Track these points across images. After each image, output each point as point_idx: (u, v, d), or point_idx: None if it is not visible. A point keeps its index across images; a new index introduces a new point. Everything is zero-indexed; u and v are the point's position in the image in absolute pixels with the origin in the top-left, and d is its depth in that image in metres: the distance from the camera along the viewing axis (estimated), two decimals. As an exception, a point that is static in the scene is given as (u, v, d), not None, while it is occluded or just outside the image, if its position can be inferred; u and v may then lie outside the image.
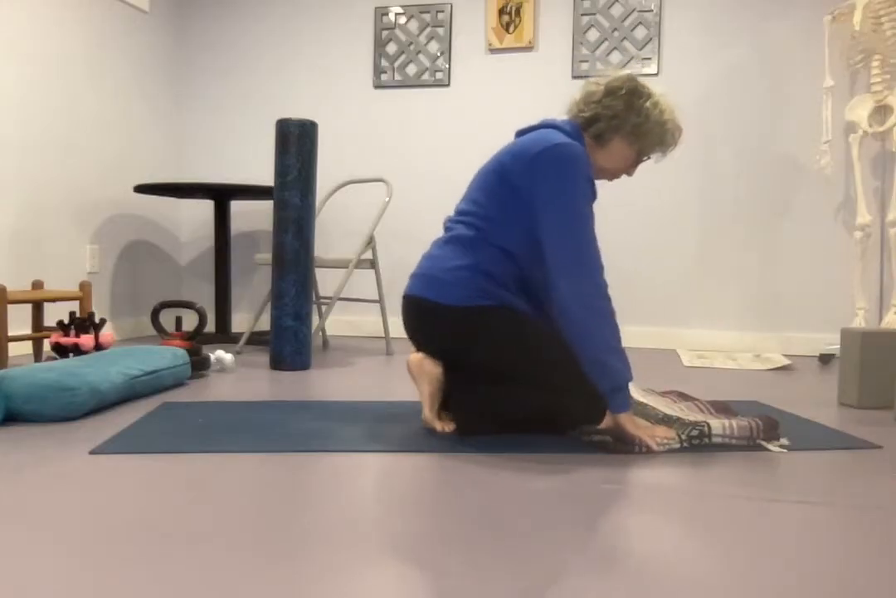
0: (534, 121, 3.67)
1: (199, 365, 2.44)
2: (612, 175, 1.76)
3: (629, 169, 1.76)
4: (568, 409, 1.62)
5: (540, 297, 1.72)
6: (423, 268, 1.70)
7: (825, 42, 3.19)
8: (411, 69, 3.81)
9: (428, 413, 1.69)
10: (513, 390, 1.63)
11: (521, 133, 1.77)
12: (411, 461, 1.44)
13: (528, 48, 3.68)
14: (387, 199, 3.16)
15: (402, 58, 3.81)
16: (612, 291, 1.58)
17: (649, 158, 1.76)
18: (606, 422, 1.57)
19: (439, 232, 3.80)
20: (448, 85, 3.78)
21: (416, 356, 1.72)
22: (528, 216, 1.60)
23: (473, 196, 1.69)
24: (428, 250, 1.74)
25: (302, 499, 1.20)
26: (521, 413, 1.64)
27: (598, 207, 3.62)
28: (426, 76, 3.79)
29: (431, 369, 1.69)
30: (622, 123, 1.67)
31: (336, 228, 3.95)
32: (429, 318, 1.66)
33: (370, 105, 3.88)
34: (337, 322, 3.95)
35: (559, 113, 3.65)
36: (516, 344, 1.61)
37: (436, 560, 0.95)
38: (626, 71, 1.72)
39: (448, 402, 1.72)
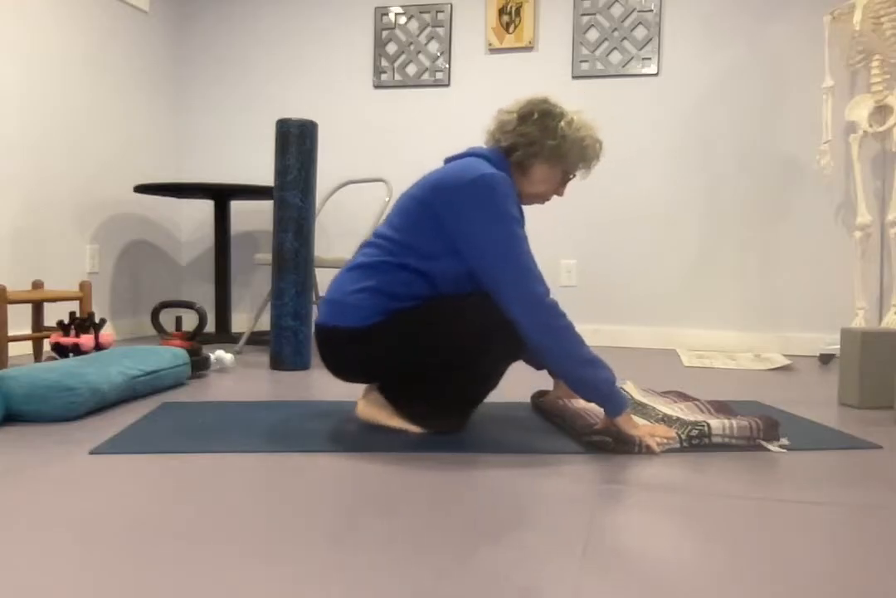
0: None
1: (199, 365, 2.44)
2: (541, 199, 1.75)
3: (557, 190, 1.75)
4: (496, 362, 1.61)
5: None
6: (329, 296, 1.68)
7: (825, 42, 3.19)
8: (411, 69, 3.81)
9: (412, 430, 1.68)
10: (448, 376, 1.62)
11: (449, 160, 1.75)
12: (411, 462, 1.44)
13: (528, 48, 3.68)
14: (387, 199, 3.16)
15: (402, 58, 3.81)
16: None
17: (575, 176, 1.75)
18: (604, 423, 1.57)
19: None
20: (448, 85, 3.78)
21: (360, 405, 1.73)
22: (448, 241, 1.59)
23: (392, 221, 1.67)
24: (336, 276, 1.73)
25: (302, 499, 1.20)
26: (466, 388, 1.64)
27: (598, 206, 3.63)
28: (426, 76, 3.79)
29: (379, 403, 1.70)
30: (540, 148, 1.67)
31: (336, 228, 3.95)
32: (334, 343, 1.65)
33: (370, 105, 3.88)
34: (337, 322, 3.94)
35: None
36: (421, 338, 1.59)
37: (434, 560, 0.95)
38: (539, 95, 1.72)
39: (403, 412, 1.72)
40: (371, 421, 1.72)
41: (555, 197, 1.81)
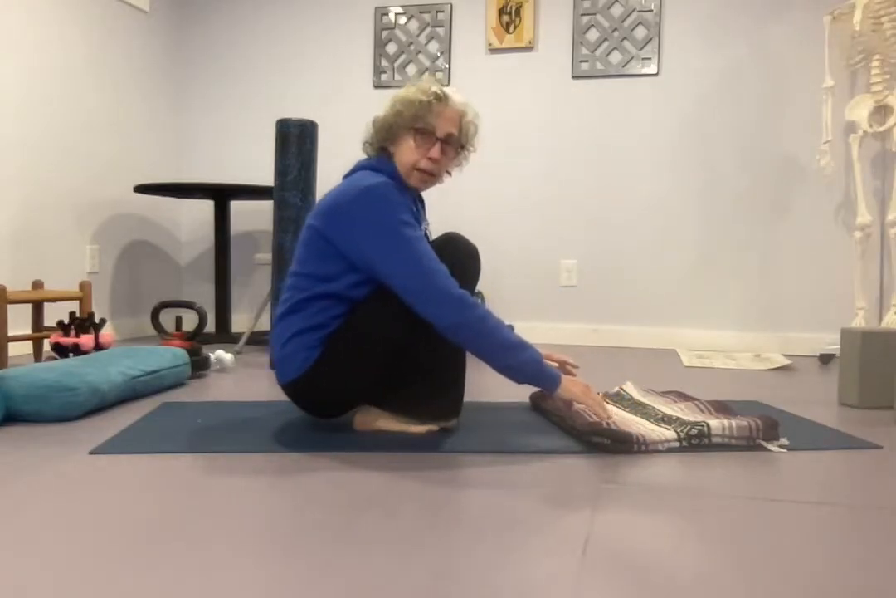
0: (535, 120, 3.67)
1: (199, 365, 2.44)
2: (421, 169, 1.69)
3: (426, 153, 1.68)
4: (437, 341, 1.61)
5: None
6: (274, 354, 1.71)
7: (825, 42, 3.19)
8: (411, 69, 3.81)
9: (413, 431, 1.69)
10: (416, 373, 1.64)
11: (346, 176, 1.77)
12: (409, 461, 1.44)
13: (528, 48, 3.68)
14: (387, 199, 3.16)
15: (402, 58, 3.81)
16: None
17: (426, 126, 1.67)
18: (559, 396, 1.59)
19: (438, 231, 3.79)
20: (448, 85, 3.78)
21: (357, 420, 1.73)
22: (344, 260, 1.60)
23: (298, 255, 1.69)
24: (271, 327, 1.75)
25: (302, 499, 1.20)
26: (435, 378, 1.65)
27: (598, 206, 3.63)
28: (426, 76, 3.79)
29: (373, 413, 1.70)
30: (382, 125, 1.71)
31: (336, 228, 3.94)
32: (296, 397, 1.69)
33: (370, 105, 3.88)
34: (337, 322, 3.94)
35: (558, 115, 3.65)
36: (359, 354, 1.60)
37: (434, 560, 0.95)
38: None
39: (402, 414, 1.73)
40: (372, 430, 1.72)
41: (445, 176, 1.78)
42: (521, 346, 1.54)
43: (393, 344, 1.60)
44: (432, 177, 1.72)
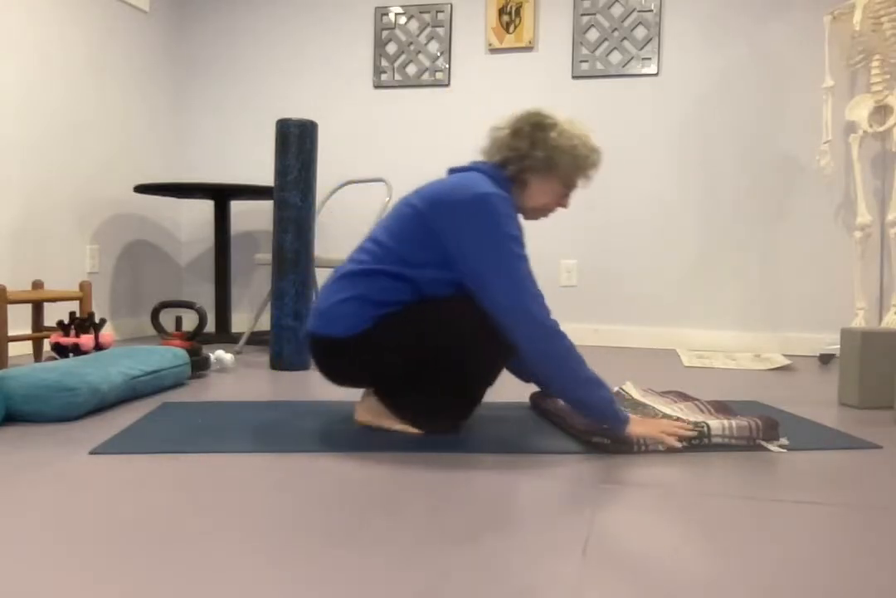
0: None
1: (199, 365, 2.44)
2: (544, 212, 1.74)
3: (560, 202, 1.73)
4: (488, 360, 1.61)
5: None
6: (317, 305, 1.69)
7: (825, 42, 3.19)
8: (411, 69, 3.81)
9: (412, 431, 1.68)
10: (437, 377, 1.63)
11: (452, 171, 1.74)
12: (410, 462, 1.44)
13: (528, 48, 3.68)
14: (387, 199, 3.16)
15: (402, 58, 3.81)
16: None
17: (575, 186, 1.73)
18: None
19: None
20: (448, 85, 3.78)
21: (358, 412, 1.73)
22: (444, 255, 1.58)
23: (389, 226, 1.66)
24: (326, 280, 1.72)
25: (302, 499, 1.20)
26: (460, 388, 1.64)
27: (598, 206, 3.63)
28: (426, 76, 3.79)
29: (377, 407, 1.70)
30: (533, 162, 1.66)
31: (336, 228, 3.95)
32: (325, 352, 1.65)
33: (370, 105, 3.88)
34: (337, 322, 3.94)
35: (560, 113, 3.65)
36: (406, 341, 1.59)
37: (435, 560, 0.95)
38: (532, 108, 1.71)
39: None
40: (370, 425, 1.72)
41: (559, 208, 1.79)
42: (598, 383, 1.52)
43: (439, 353, 1.59)
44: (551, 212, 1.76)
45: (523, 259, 1.54)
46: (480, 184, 1.57)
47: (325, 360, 1.66)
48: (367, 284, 1.60)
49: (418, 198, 1.62)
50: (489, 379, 1.67)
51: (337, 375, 1.69)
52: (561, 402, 1.83)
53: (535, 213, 1.74)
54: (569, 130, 1.68)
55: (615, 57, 3.58)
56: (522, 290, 1.51)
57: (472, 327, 1.56)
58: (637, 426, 1.54)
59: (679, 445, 1.53)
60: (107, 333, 2.51)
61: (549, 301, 3.68)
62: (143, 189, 3.38)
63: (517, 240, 1.54)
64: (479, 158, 1.82)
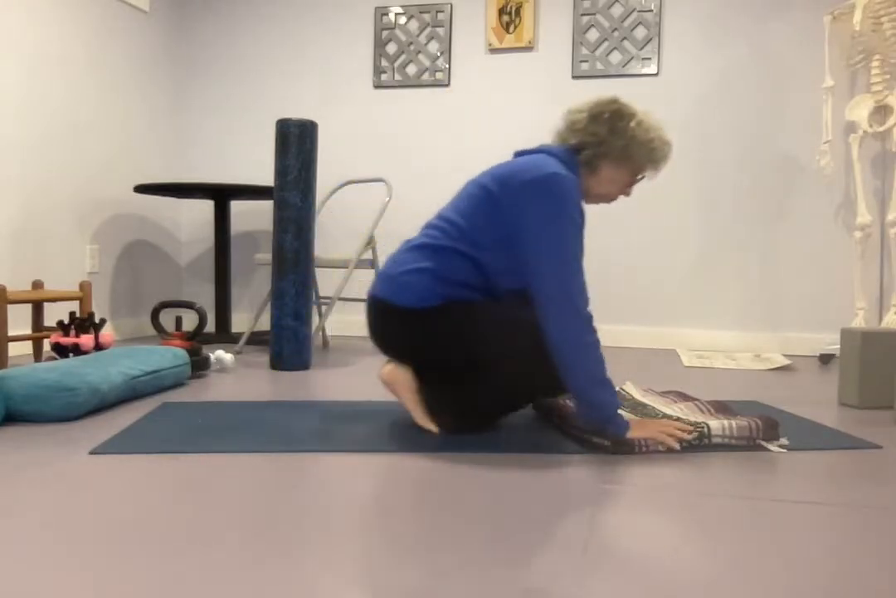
0: (535, 119, 3.68)
1: (199, 365, 2.44)
2: (607, 199, 1.76)
3: (624, 190, 1.75)
4: (533, 387, 1.63)
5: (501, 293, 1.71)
6: (386, 270, 1.70)
7: (825, 42, 3.19)
8: (411, 69, 3.81)
9: (419, 418, 1.69)
10: (477, 383, 1.63)
11: (518, 154, 1.76)
12: (411, 461, 1.44)
13: (528, 48, 3.68)
14: (387, 199, 3.16)
15: (402, 58, 3.81)
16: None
17: (643, 177, 1.76)
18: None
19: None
20: (448, 85, 3.78)
21: (386, 369, 1.73)
22: (507, 234, 1.60)
23: (456, 206, 1.68)
24: (395, 252, 1.74)
25: (302, 499, 1.20)
26: (492, 403, 1.65)
27: (598, 206, 3.63)
28: (426, 76, 3.79)
29: (404, 375, 1.70)
30: (609, 149, 1.67)
31: (336, 228, 3.95)
32: (385, 318, 1.67)
33: (370, 105, 3.88)
34: (337, 322, 3.95)
35: (558, 114, 3.65)
36: (467, 336, 1.61)
37: (435, 560, 0.95)
38: (608, 95, 1.71)
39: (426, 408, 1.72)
40: (388, 388, 1.72)
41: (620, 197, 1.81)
42: (611, 387, 1.54)
43: (492, 363, 1.60)
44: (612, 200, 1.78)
45: (578, 246, 1.56)
46: (551, 165, 1.60)
47: (383, 325, 1.68)
48: (438, 260, 1.63)
49: (489, 177, 1.65)
50: (521, 404, 1.68)
51: (387, 342, 1.70)
52: (561, 402, 1.83)
53: (598, 199, 1.76)
54: (646, 122, 1.70)
55: (615, 57, 3.58)
56: (569, 275, 1.53)
57: (534, 353, 1.57)
58: (636, 431, 1.54)
59: (678, 446, 1.54)
60: (107, 333, 2.51)
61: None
62: (143, 189, 3.38)
63: (577, 225, 1.57)
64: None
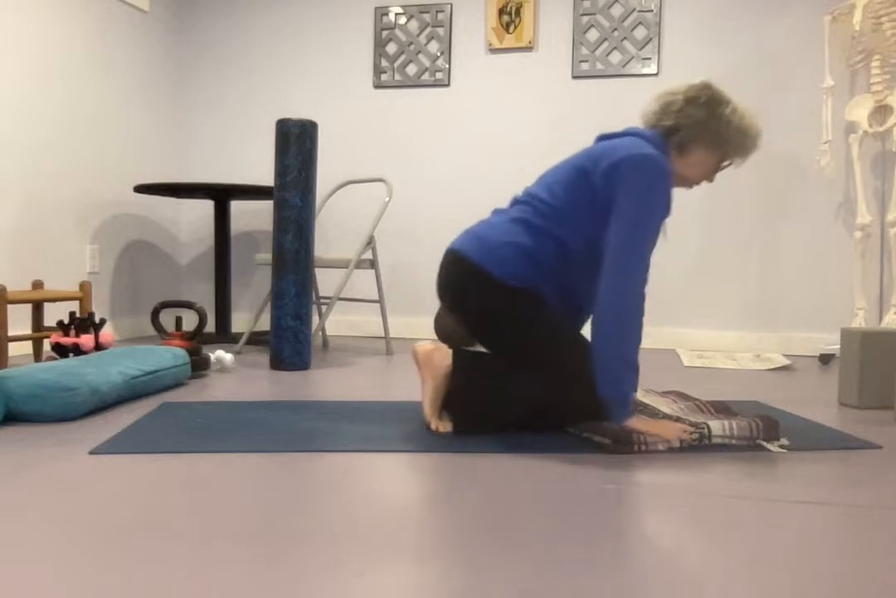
0: (535, 119, 3.68)
1: (199, 365, 2.44)
2: (692, 183, 1.77)
3: (710, 176, 1.77)
4: (566, 407, 1.63)
5: (571, 303, 1.72)
6: (479, 231, 1.70)
7: (825, 42, 3.19)
8: (411, 69, 3.81)
9: (428, 408, 1.69)
10: (511, 390, 1.63)
11: (603, 138, 1.77)
12: (411, 461, 1.44)
13: (528, 48, 3.68)
14: (387, 199, 3.16)
15: (402, 58, 3.81)
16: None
17: (730, 164, 1.76)
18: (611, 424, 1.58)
19: (439, 231, 3.80)
20: (448, 85, 3.78)
21: (426, 347, 1.71)
22: (596, 220, 1.62)
23: (552, 186, 1.69)
24: (489, 218, 1.75)
25: (302, 499, 1.20)
26: (517, 413, 1.65)
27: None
28: (426, 76, 3.79)
29: (439, 362, 1.68)
30: (704, 132, 1.68)
31: (336, 228, 3.95)
32: (466, 278, 1.67)
33: (370, 105, 3.88)
34: (337, 322, 3.95)
35: (558, 115, 3.65)
36: (533, 330, 1.63)
37: (435, 560, 0.95)
38: (702, 80, 1.72)
39: (448, 401, 1.71)
40: (417, 365, 1.72)
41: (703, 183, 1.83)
42: (635, 370, 1.57)
43: (538, 374, 1.63)
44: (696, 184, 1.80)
45: (655, 229, 1.59)
46: (646, 146, 1.62)
47: (460, 283, 1.68)
48: (533, 239, 1.64)
49: (584, 158, 1.67)
50: (545, 422, 1.68)
51: (455, 300, 1.70)
52: None
53: (683, 182, 1.77)
54: (741, 110, 1.70)
55: (615, 57, 3.58)
56: (638, 253, 1.56)
57: (581, 381, 1.59)
58: (639, 423, 1.56)
59: (677, 443, 1.54)
60: (107, 333, 2.51)
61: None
62: (143, 189, 3.38)
63: (663, 209, 1.60)
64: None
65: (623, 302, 1.55)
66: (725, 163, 1.75)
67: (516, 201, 1.75)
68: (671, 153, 1.71)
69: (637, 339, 1.56)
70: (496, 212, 1.77)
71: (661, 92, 1.74)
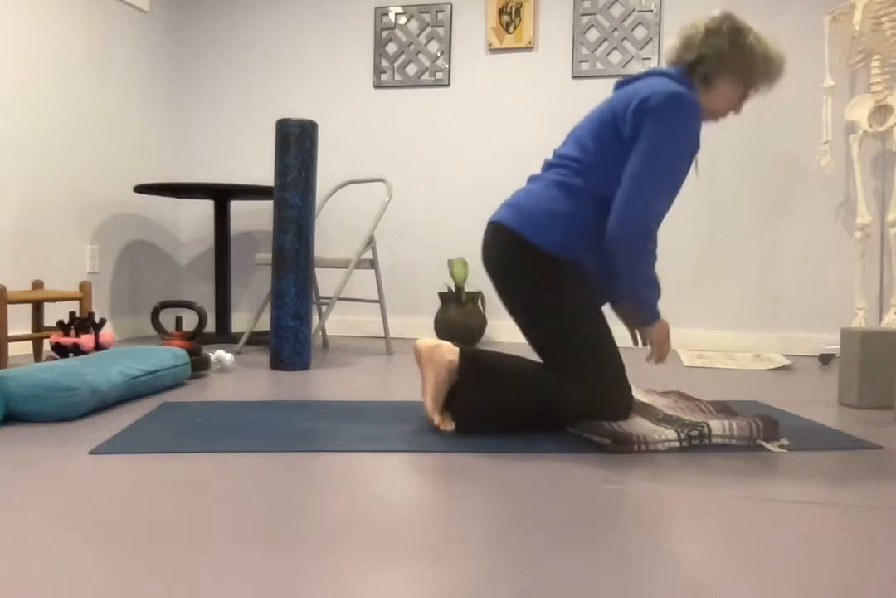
0: (535, 119, 3.68)
1: (199, 365, 2.44)
2: (719, 115, 1.77)
3: (737, 107, 1.77)
4: (568, 407, 1.63)
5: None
6: (517, 201, 1.71)
7: (825, 42, 3.19)
8: (411, 69, 3.81)
9: (429, 405, 1.68)
10: (515, 389, 1.62)
11: (623, 84, 1.78)
12: (411, 461, 1.44)
13: (528, 48, 3.68)
14: (387, 199, 3.16)
15: (402, 58, 3.81)
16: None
17: (757, 91, 1.76)
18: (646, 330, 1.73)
19: (439, 231, 3.80)
20: (448, 85, 3.78)
21: (428, 343, 1.69)
22: (623, 156, 1.65)
23: (581, 141, 1.69)
24: (526, 186, 1.76)
25: (302, 499, 1.20)
26: (520, 413, 1.64)
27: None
28: (426, 76, 3.79)
29: (440, 359, 1.65)
30: (729, 62, 1.68)
31: (336, 228, 3.95)
32: (506, 248, 1.69)
33: (370, 105, 3.88)
34: (337, 322, 3.95)
35: (558, 115, 3.65)
36: (567, 303, 1.65)
37: (435, 560, 0.95)
38: (722, 11, 1.71)
39: (452, 399, 1.70)
40: (418, 362, 1.71)
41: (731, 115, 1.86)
42: (655, 285, 1.66)
43: (561, 382, 1.64)
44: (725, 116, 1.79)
45: (678, 166, 1.60)
46: (671, 84, 1.62)
47: (500, 254, 1.70)
48: (573, 203, 1.65)
49: (607, 108, 1.68)
50: (532, 423, 1.69)
51: (496, 272, 1.72)
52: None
53: (711, 115, 1.77)
54: (763, 36, 1.71)
55: (615, 57, 3.58)
56: (653, 187, 1.58)
57: (602, 374, 1.65)
58: (661, 327, 1.71)
59: (678, 444, 1.54)
60: (107, 333, 2.51)
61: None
62: (143, 189, 3.38)
63: (689, 144, 1.60)
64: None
65: (627, 230, 1.58)
66: (752, 92, 1.75)
67: (550, 165, 1.75)
68: (697, 88, 1.71)
69: (646, 260, 1.62)
70: (532, 179, 1.77)
71: (681, 26, 1.74)
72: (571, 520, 1.11)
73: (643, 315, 1.70)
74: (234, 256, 4.09)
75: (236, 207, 4.08)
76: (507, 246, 1.68)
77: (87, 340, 2.37)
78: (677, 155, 1.59)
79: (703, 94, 1.72)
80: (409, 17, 3.80)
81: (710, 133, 3.51)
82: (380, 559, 0.95)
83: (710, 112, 1.76)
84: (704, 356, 3.20)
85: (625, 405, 1.66)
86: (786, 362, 2.94)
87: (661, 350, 1.75)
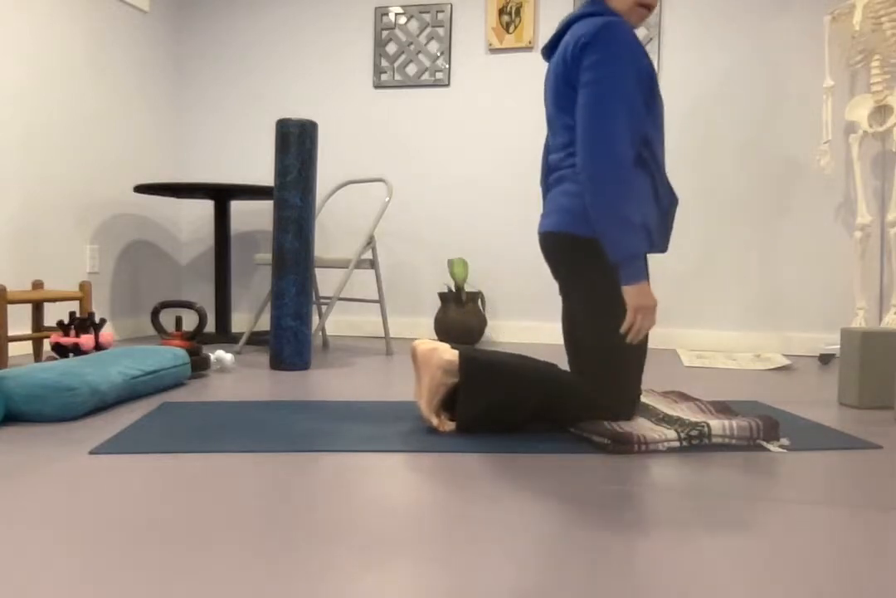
0: (535, 119, 3.67)
1: (199, 365, 2.44)
2: (638, 13, 1.73)
3: None
4: (569, 407, 1.64)
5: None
6: (545, 208, 1.76)
7: (825, 42, 3.19)
8: (411, 69, 3.81)
9: (425, 407, 1.67)
10: (516, 390, 1.62)
11: (550, 47, 1.79)
12: (411, 461, 1.44)
13: (528, 48, 3.68)
14: (387, 199, 3.16)
15: (402, 58, 3.81)
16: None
17: None
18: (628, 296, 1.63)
19: (439, 231, 3.80)
20: (448, 85, 3.78)
21: (425, 345, 1.68)
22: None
23: (560, 120, 1.70)
24: (545, 193, 1.81)
25: (302, 499, 1.20)
26: (521, 414, 1.65)
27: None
28: (426, 76, 3.79)
29: (437, 361, 1.64)
30: None
31: (336, 228, 3.95)
32: (552, 250, 1.74)
33: (370, 105, 3.88)
34: (337, 322, 3.95)
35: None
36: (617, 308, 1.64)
37: (435, 560, 0.95)
38: None
39: (451, 399, 1.70)
40: (414, 363, 1.70)
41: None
42: (634, 229, 1.54)
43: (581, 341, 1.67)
44: (650, 11, 1.75)
45: (630, 87, 1.57)
46: (590, 21, 1.63)
47: (551, 258, 1.74)
48: (572, 182, 1.68)
49: (553, 73, 1.69)
50: (533, 423, 1.70)
51: (558, 277, 1.75)
52: None
53: (630, 15, 1.73)
54: None
55: (615, 57, 3.58)
56: (608, 113, 1.55)
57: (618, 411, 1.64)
58: (645, 294, 1.57)
59: (678, 444, 1.55)
60: (107, 333, 2.51)
61: (551, 301, 3.68)
62: (143, 189, 3.38)
63: (627, 63, 1.57)
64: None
65: (595, 167, 1.55)
66: None
67: (550, 165, 1.78)
68: (605, 5, 1.71)
69: (624, 194, 1.54)
70: (542, 182, 1.84)
71: None
72: (571, 520, 1.11)
73: (620, 269, 1.57)
74: (234, 256, 4.09)
75: (236, 207, 4.08)
76: (551, 247, 1.73)
77: (87, 340, 2.37)
78: (623, 74, 1.57)
79: (611, 3, 1.72)
80: (409, 17, 3.80)
81: (711, 133, 3.51)
82: (380, 559, 0.96)
83: (627, 14, 1.72)
84: (704, 356, 3.20)
85: (632, 406, 1.66)
86: (786, 362, 2.94)
87: (640, 322, 1.59)
